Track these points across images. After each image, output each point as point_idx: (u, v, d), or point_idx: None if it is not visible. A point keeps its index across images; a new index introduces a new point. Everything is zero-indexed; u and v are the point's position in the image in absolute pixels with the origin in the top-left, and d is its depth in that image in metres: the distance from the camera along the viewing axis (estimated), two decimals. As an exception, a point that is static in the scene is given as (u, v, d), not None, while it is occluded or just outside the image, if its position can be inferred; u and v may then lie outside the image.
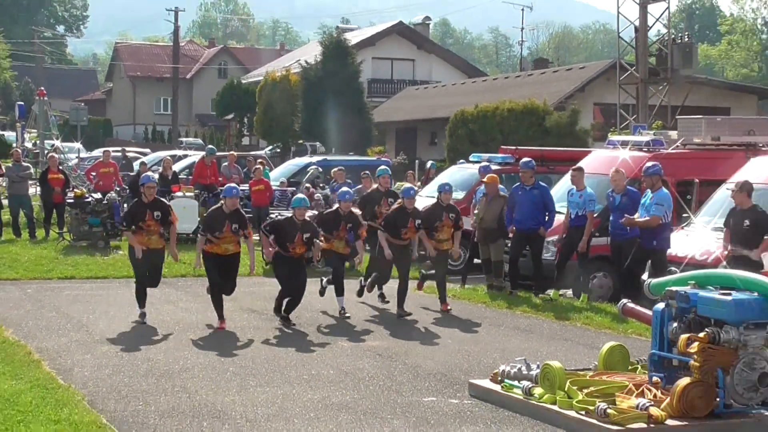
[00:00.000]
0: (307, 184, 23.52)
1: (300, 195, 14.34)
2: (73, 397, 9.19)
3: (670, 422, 8.76)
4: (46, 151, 30.71)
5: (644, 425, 8.68)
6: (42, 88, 38.82)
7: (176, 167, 28.00)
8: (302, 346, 12.40)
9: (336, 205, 14.43)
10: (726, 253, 13.48)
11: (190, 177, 26.77)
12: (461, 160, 22.23)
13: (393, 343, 12.55)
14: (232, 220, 12.85)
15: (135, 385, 10.11)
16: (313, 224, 13.47)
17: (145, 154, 37.20)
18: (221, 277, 12.76)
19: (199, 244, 12.83)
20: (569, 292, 17.05)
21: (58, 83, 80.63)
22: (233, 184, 13.85)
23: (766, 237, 13.28)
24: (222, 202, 13.46)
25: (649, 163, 16.04)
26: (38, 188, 23.64)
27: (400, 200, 14.76)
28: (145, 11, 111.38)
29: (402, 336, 13.32)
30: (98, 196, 22.65)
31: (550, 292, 16.75)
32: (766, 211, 13.72)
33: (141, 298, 13.43)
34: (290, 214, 13.89)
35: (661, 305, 9.74)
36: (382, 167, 16.31)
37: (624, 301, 11.34)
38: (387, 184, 15.80)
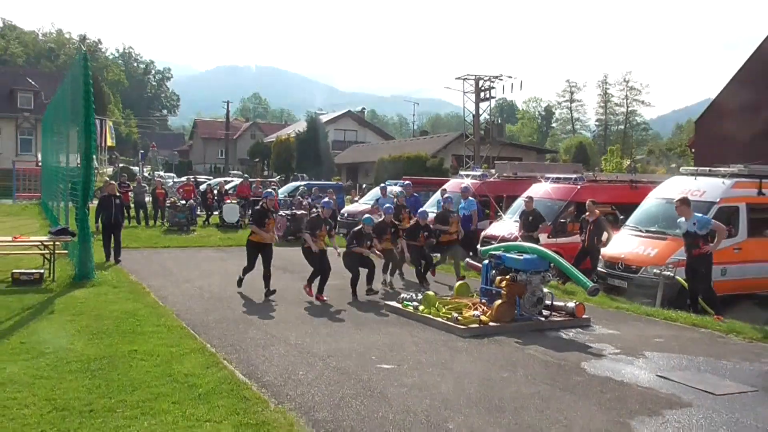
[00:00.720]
0: (299, 196, 24.86)
1: (368, 215, 13.00)
2: (168, 312, 9.81)
3: (491, 324, 9.28)
4: (155, 178, 32.72)
5: (477, 325, 9.22)
6: (153, 143, 41.72)
7: (227, 186, 29.97)
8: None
9: (383, 217, 12.90)
10: (520, 234, 14.50)
11: (234, 192, 28.39)
12: (382, 185, 22.84)
13: (346, 283, 11.72)
14: (326, 223, 11.79)
15: (202, 305, 10.63)
16: (370, 233, 11.96)
17: (209, 179, 38.92)
18: (319, 263, 11.30)
19: (308, 239, 11.34)
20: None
21: (162, 141, 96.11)
22: (329, 200, 12.73)
23: (540, 225, 14.46)
24: (320, 210, 12.36)
25: (470, 185, 18.12)
26: (150, 197, 24.55)
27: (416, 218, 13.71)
28: (212, 101, 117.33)
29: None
30: (183, 202, 23.52)
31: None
32: (539, 211, 14.91)
33: (243, 277, 12.05)
34: (316, 215, 12.56)
35: (486, 261, 10.28)
36: (387, 206, 14.32)
37: (467, 259, 12.08)
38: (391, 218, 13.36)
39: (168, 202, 24.15)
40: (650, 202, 14.60)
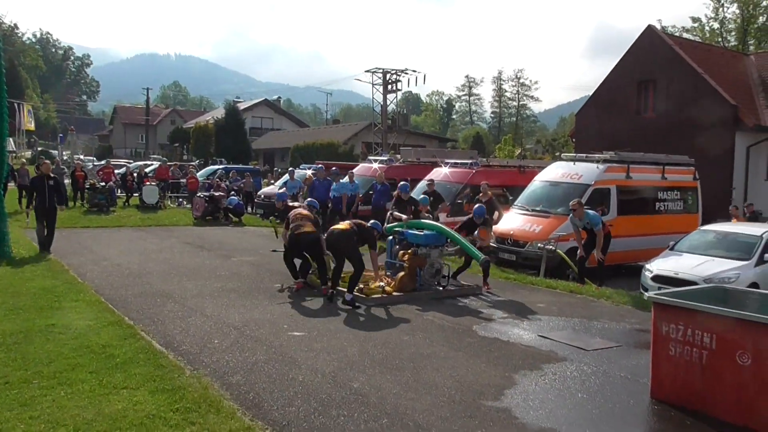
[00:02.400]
0: (217, 179, 24.34)
1: (423, 195, 12.45)
2: (86, 288, 9.34)
3: (395, 294, 9.38)
4: (75, 160, 30.64)
5: (381, 295, 9.26)
6: (72, 127, 39.22)
7: (147, 169, 28.79)
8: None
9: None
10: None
11: (154, 175, 27.78)
12: (290, 169, 22.56)
13: (261, 259, 11.79)
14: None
15: (120, 281, 10.22)
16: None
17: (129, 163, 37.41)
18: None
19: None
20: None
21: (82, 126, 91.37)
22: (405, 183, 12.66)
23: (440, 206, 14.48)
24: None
25: (381, 169, 18.36)
26: (70, 180, 23.32)
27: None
28: (133, 88, 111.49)
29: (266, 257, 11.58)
30: (102, 184, 22.32)
31: None
32: (440, 192, 15.16)
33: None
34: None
35: (390, 237, 10.32)
36: (422, 197, 13.69)
37: None
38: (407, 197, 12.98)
39: (87, 183, 23.00)
40: (535, 185, 15.18)
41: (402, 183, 13.49)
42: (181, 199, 26.22)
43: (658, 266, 11.28)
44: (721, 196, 21.87)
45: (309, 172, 19.51)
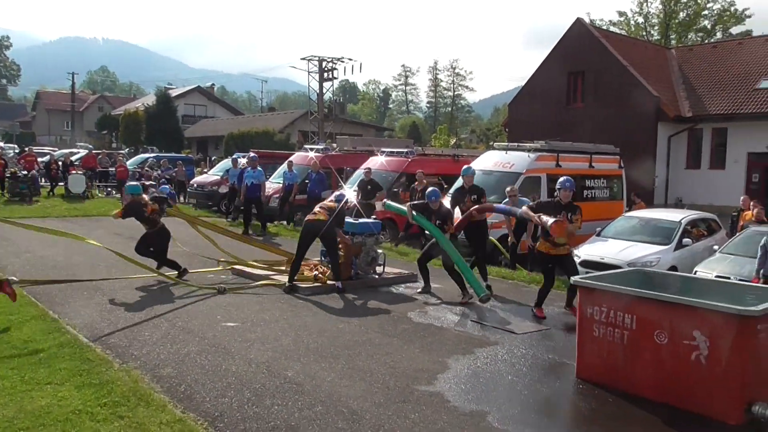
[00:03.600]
0: (147, 168, 23.65)
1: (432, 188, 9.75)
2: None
3: (329, 282, 9.34)
4: None
5: (315, 284, 9.23)
6: None
7: (74, 158, 27.50)
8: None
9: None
10: (358, 201, 14.75)
11: (80, 163, 26.68)
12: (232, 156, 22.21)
13: (194, 249, 11.39)
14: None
15: (44, 274, 9.82)
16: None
17: (53, 151, 35.78)
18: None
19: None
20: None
21: (1, 111, 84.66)
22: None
23: (378, 194, 14.64)
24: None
25: (318, 157, 18.04)
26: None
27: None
28: (57, 72, 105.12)
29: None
30: (24, 172, 21.13)
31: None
32: (377, 181, 15.26)
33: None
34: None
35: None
36: (467, 167, 10.98)
37: None
38: (470, 182, 10.26)
39: (8, 172, 21.85)
40: (470, 173, 15.46)
41: (430, 189, 10.41)
42: (109, 189, 25.35)
43: (586, 252, 11.68)
44: (645, 184, 22.86)
45: (243, 161, 19.21)
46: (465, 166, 11.11)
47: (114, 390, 5.04)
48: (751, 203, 13.44)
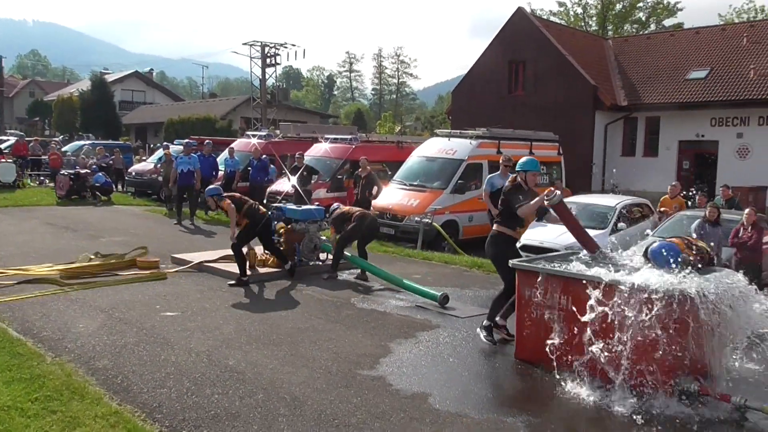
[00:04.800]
0: (82, 156, 22.92)
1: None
2: None
3: (274, 270, 9.10)
4: None
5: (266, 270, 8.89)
6: None
7: (2, 146, 26.43)
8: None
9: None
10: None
11: (10, 151, 25.65)
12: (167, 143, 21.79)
13: (132, 239, 11.37)
14: None
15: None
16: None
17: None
18: None
19: None
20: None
21: None
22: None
23: (313, 179, 14.57)
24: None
25: (260, 144, 18.17)
26: None
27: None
28: None
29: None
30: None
31: None
32: (312, 166, 15.18)
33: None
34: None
35: (270, 213, 10.21)
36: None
37: None
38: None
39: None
40: (413, 160, 15.52)
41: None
42: (42, 177, 24.35)
43: (526, 236, 11.88)
44: (583, 171, 23.49)
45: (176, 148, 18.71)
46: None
47: (46, 384, 4.87)
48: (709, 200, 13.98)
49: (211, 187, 9.52)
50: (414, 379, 5.35)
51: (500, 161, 11.51)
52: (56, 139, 36.60)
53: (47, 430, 4.17)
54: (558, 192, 6.10)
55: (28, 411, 4.42)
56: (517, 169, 6.73)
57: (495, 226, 6.71)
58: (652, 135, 24.39)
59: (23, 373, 5.10)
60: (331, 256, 9.73)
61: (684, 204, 13.85)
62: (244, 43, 35.86)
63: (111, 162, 23.11)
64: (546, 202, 6.07)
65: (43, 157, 25.35)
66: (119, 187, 22.57)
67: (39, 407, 4.48)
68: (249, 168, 16.75)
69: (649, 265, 5.49)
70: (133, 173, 21.75)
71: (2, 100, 65.13)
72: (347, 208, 9.69)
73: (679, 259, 5.29)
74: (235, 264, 8.80)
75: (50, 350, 5.75)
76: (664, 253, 5.35)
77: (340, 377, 5.30)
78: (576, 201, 13.57)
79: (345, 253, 9.30)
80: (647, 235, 11.75)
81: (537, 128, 17.71)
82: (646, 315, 4.89)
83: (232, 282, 8.62)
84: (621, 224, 12.24)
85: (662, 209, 13.64)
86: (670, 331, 4.90)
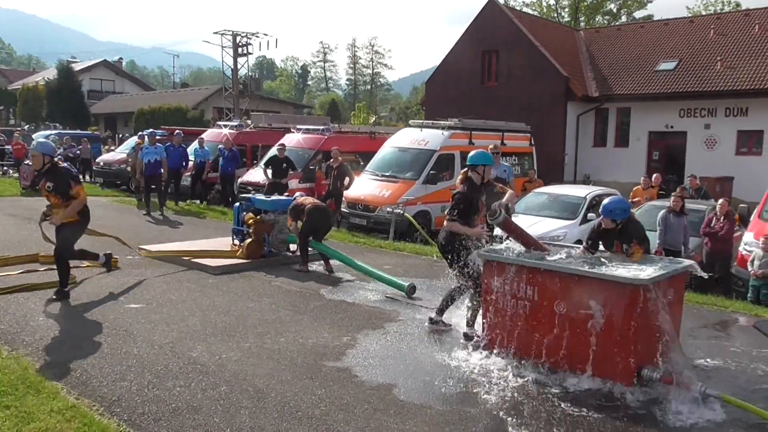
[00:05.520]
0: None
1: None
2: None
3: (241, 261, 9.12)
4: None
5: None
6: None
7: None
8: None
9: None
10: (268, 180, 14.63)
11: None
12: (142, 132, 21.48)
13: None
14: None
15: None
16: None
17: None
18: None
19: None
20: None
21: None
22: None
23: (291, 172, 14.46)
24: None
25: (231, 134, 18.12)
26: None
27: None
28: None
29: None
30: None
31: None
32: (292, 159, 14.95)
33: None
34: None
35: (237, 204, 10.13)
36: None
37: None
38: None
39: None
40: (385, 150, 15.47)
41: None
42: (6, 168, 23.80)
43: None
44: (556, 161, 23.67)
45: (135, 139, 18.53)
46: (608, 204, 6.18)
47: (0, 379, 4.74)
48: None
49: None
50: (380, 370, 5.31)
51: (488, 150, 11.43)
52: (24, 128, 35.78)
53: (-1, 426, 4.06)
54: (501, 211, 5.85)
55: (-20, 407, 4.30)
56: (468, 163, 6.41)
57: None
58: (623, 126, 24.66)
59: (-23, 368, 4.96)
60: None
61: (656, 195, 14.06)
62: (215, 32, 35.40)
63: (78, 152, 22.67)
64: (492, 221, 5.92)
65: (6, 147, 24.78)
66: (87, 177, 22.16)
67: (-8, 403, 4.37)
68: (220, 158, 16.55)
69: None
70: (102, 163, 21.38)
71: (-35, 89, 63.58)
72: (302, 199, 9.40)
73: None
74: (211, 255, 8.73)
75: (6, 344, 5.59)
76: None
77: (305, 369, 5.25)
78: (547, 191, 13.69)
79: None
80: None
81: (510, 119, 17.77)
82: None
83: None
84: (591, 215, 12.33)
85: (634, 200, 13.83)
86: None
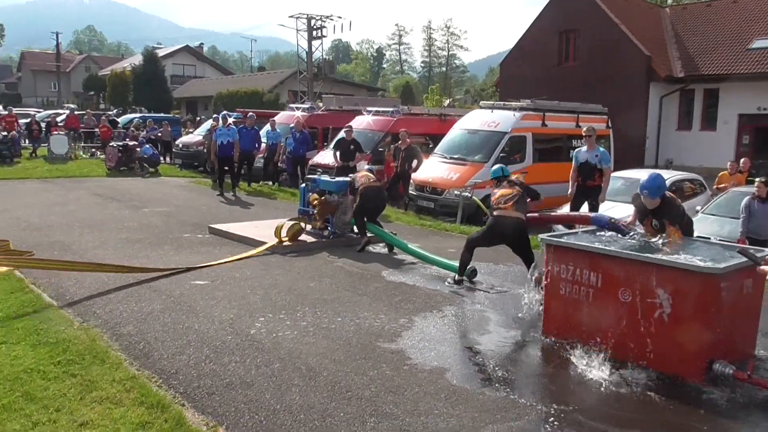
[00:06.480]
0: (132, 128, 23.68)
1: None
2: None
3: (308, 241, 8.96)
4: None
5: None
6: None
7: (58, 119, 27.17)
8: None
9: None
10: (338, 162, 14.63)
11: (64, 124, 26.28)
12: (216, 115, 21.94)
13: (173, 210, 11.72)
14: None
15: (16, 234, 9.72)
16: None
17: (38, 112, 35.72)
18: None
19: None
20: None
21: None
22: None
23: (358, 154, 14.40)
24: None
25: (303, 117, 18.18)
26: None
27: None
28: (42, 32, 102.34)
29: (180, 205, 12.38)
30: (4, 133, 20.88)
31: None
32: (360, 141, 14.78)
33: None
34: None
35: (303, 185, 10.17)
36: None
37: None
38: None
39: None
40: (455, 133, 15.24)
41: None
42: (94, 150, 25.09)
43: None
44: (636, 145, 22.72)
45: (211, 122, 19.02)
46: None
47: (70, 348, 4.99)
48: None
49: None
50: (434, 353, 5.24)
51: (582, 133, 11.05)
52: (112, 112, 37.65)
53: (64, 393, 4.26)
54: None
55: (49, 374, 4.53)
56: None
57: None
58: (710, 108, 23.35)
59: (50, 337, 5.23)
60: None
61: (744, 181, 13.24)
62: (290, 16, 35.99)
63: (159, 134, 23.59)
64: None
65: (95, 129, 26.10)
66: (167, 159, 23.05)
67: (60, 370, 4.59)
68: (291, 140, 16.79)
69: None
70: (180, 145, 22.15)
71: (60, 76, 67.35)
72: (359, 176, 9.48)
73: None
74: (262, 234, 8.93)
75: (79, 315, 5.89)
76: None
77: (359, 349, 5.25)
78: (625, 176, 13.10)
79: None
80: (698, 211, 11.34)
81: (588, 100, 17.11)
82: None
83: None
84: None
85: (720, 185, 13.07)
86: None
